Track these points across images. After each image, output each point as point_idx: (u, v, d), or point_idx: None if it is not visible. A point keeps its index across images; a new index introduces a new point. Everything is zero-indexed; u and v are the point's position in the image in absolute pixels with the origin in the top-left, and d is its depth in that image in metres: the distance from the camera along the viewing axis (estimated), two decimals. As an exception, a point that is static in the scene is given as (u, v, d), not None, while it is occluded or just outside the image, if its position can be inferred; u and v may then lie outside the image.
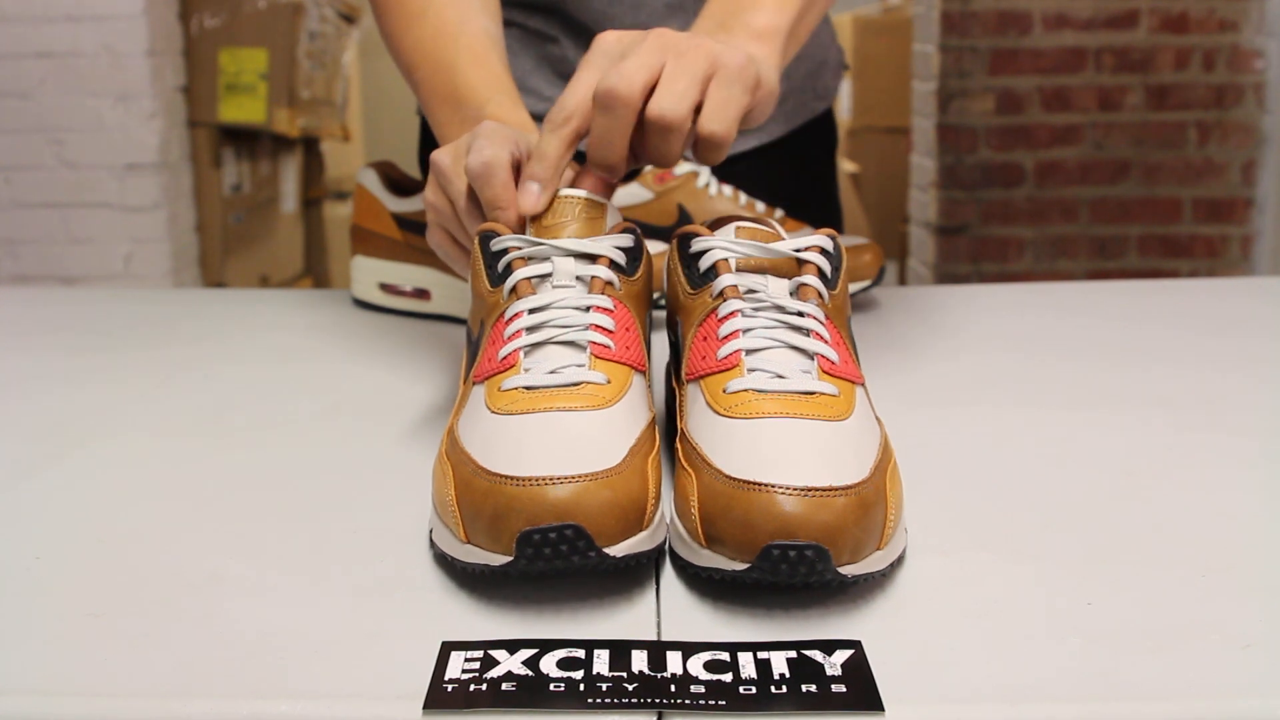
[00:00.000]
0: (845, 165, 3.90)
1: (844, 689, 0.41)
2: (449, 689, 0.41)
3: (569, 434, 0.49)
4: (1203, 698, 0.41)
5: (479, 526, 0.47)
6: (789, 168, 1.11)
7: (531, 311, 0.55)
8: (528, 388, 0.52)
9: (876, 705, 0.40)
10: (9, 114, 2.71)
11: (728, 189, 0.97)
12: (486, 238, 0.60)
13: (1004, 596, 0.48)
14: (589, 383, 0.52)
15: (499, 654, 0.43)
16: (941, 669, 0.43)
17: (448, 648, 0.44)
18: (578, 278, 0.57)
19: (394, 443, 0.67)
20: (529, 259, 0.58)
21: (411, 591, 0.49)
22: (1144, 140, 2.94)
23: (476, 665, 0.42)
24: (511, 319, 0.56)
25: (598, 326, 0.55)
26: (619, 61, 0.60)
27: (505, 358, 0.54)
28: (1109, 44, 2.90)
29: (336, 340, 0.90)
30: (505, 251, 0.58)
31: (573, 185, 0.62)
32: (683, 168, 0.96)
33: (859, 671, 0.42)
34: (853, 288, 0.93)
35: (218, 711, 0.41)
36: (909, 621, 0.46)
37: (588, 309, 0.55)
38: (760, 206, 0.97)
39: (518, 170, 0.62)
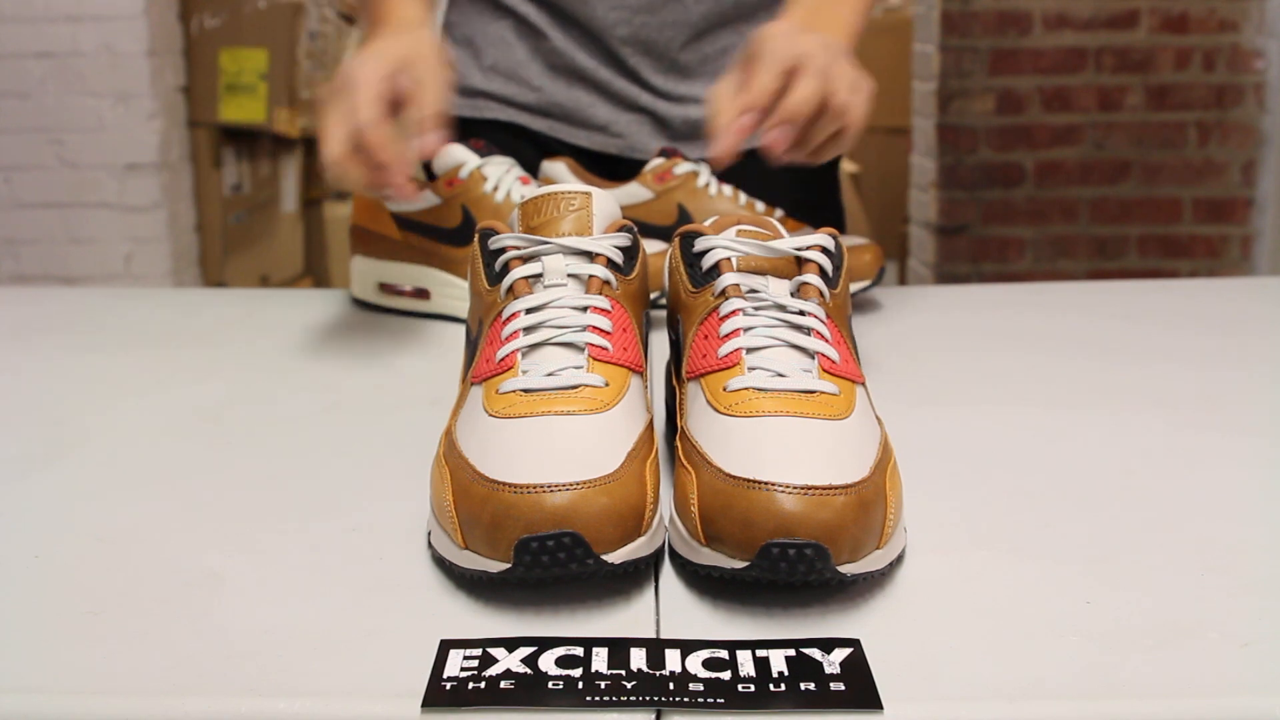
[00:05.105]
0: (845, 165, 3.89)
1: (843, 687, 0.41)
2: (448, 687, 0.41)
3: (567, 439, 0.49)
4: (1201, 696, 0.41)
5: (477, 533, 0.47)
6: (790, 169, 1.11)
7: (529, 311, 0.55)
8: (525, 390, 0.52)
9: (875, 704, 0.40)
10: (9, 114, 2.71)
11: (728, 189, 0.97)
12: (485, 235, 0.60)
13: (1003, 595, 0.48)
14: (587, 385, 0.52)
15: (498, 652, 0.43)
16: (940, 667, 0.43)
17: (446, 646, 0.44)
18: (571, 275, 0.57)
19: (393, 442, 0.67)
20: (526, 258, 0.57)
21: (410, 590, 0.49)
22: (1144, 140, 2.94)
23: (475, 663, 0.42)
24: (509, 319, 0.55)
25: (595, 328, 0.55)
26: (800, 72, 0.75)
27: (503, 359, 0.54)
28: (1109, 44, 2.90)
29: (336, 340, 0.90)
30: (503, 250, 0.58)
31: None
32: (682, 167, 0.96)
33: (858, 670, 0.42)
34: (853, 288, 0.93)
35: (216, 709, 0.41)
36: (908, 620, 0.46)
37: (585, 309, 0.55)
38: (760, 206, 0.97)
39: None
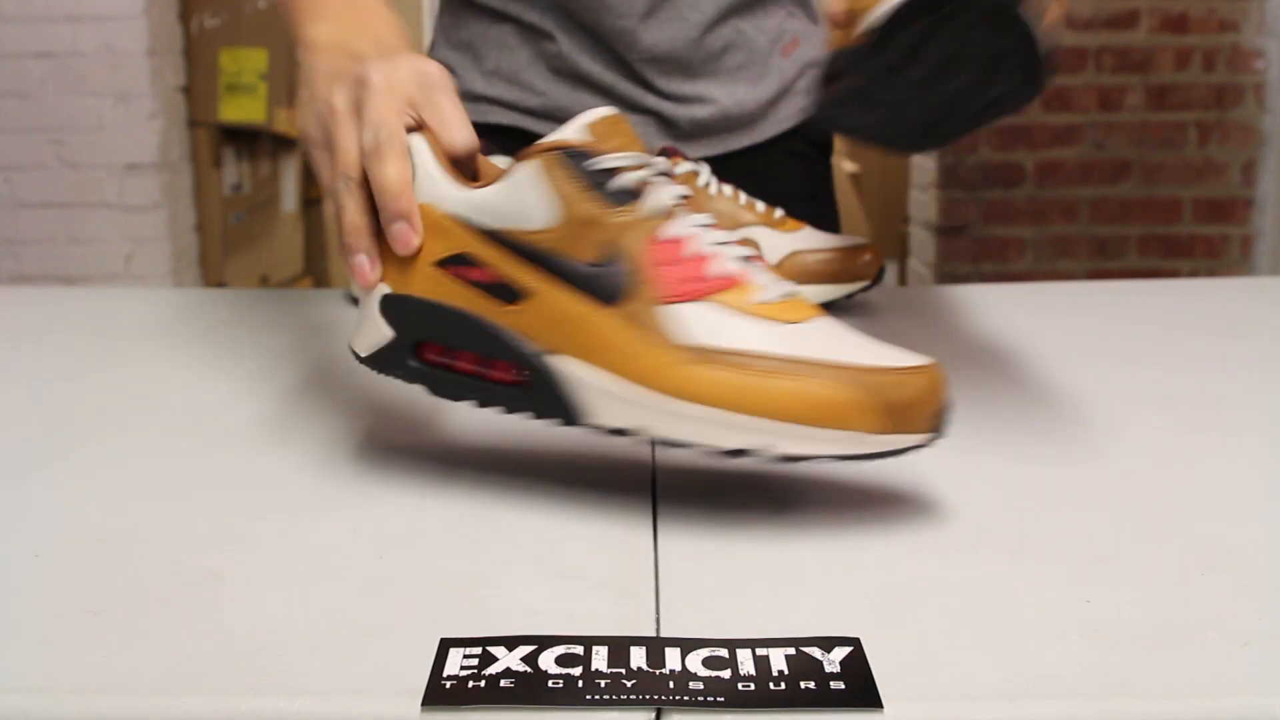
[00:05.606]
0: (845, 165, 3.90)
1: (843, 686, 0.41)
2: (447, 685, 0.41)
3: (859, 335, 0.54)
4: (1201, 696, 0.41)
5: (896, 415, 0.52)
6: (787, 167, 1.11)
7: (704, 227, 0.56)
8: (780, 298, 0.54)
9: (875, 702, 0.40)
10: (9, 114, 2.71)
11: (728, 188, 0.97)
12: (578, 156, 0.55)
13: (1003, 594, 0.48)
14: (798, 295, 0.56)
15: (497, 650, 0.43)
16: (940, 666, 0.43)
17: (446, 644, 0.44)
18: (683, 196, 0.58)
19: (393, 442, 0.67)
20: (652, 179, 0.56)
21: (410, 588, 0.49)
22: (1144, 140, 2.95)
23: (475, 662, 0.42)
24: (688, 238, 0.55)
25: (741, 241, 0.58)
26: None
27: (728, 275, 0.55)
28: (1109, 44, 2.91)
29: (336, 340, 0.90)
30: (618, 170, 0.55)
31: None
32: (682, 167, 0.96)
33: (858, 668, 0.42)
34: (851, 288, 0.93)
35: (216, 708, 0.41)
36: (908, 619, 0.46)
37: (735, 225, 0.59)
38: (760, 206, 0.97)
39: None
